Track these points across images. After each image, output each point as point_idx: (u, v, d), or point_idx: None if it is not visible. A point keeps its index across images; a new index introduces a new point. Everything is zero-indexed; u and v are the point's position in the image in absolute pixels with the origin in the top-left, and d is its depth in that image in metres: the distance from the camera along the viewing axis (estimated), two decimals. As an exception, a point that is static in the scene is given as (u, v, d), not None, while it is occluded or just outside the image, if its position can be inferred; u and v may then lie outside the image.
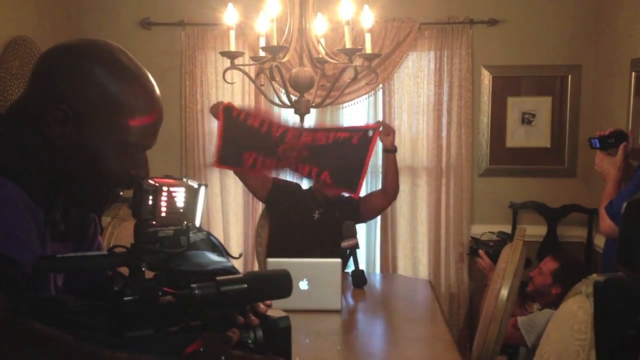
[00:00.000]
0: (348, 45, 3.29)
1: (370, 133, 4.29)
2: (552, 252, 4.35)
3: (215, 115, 4.34)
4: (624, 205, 1.35)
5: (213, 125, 5.30)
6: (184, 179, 1.34)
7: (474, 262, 4.63)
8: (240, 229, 5.36)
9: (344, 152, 4.30)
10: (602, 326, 1.42)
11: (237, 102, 5.26)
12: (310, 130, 4.39)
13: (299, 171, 4.32)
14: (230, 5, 3.38)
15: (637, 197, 1.34)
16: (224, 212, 5.28)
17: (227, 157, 4.35)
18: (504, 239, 4.06)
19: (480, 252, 4.26)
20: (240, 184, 5.00)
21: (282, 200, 4.45)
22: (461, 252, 5.22)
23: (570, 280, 3.87)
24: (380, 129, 4.32)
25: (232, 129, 4.29)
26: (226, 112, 4.29)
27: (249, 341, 1.33)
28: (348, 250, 3.97)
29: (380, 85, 5.20)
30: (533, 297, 4.08)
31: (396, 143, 4.91)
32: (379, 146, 4.57)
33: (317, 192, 4.40)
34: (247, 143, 4.28)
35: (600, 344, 1.46)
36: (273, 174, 4.42)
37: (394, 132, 4.41)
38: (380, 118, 5.22)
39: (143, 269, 1.28)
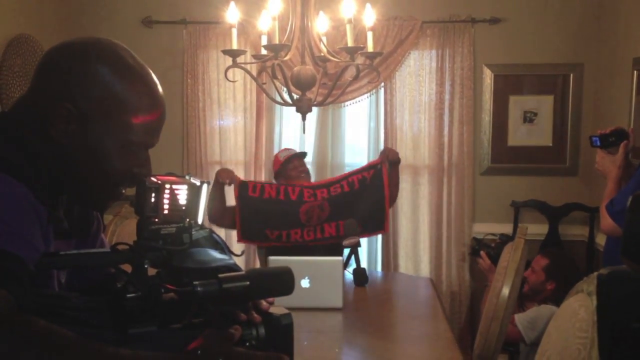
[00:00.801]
0: (350, 43, 3.29)
1: (379, 166, 4.30)
2: (541, 250, 4.38)
3: (225, 180, 4.26)
4: (630, 199, 1.35)
5: (214, 124, 5.32)
6: (187, 177, 1.35)
7: (475, 262, 4.64)
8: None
9: (364, 194, 4.30)
10: (606, 319, 1.42)
11: (239, 100, 5.28)
12: (323, 185, 4.39)
13: (326, 234, 4.29)
14: (232, 3, 3.39)
15: None
16: (225, 210, 5.28)
17: (250, 233, 4.34)
18: (505, 241, 4.07)
19: (482, 253, 4.29)
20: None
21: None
22: (463, 252, 5.22)
23: (561, 274, 3.96)
24: (386, 162, 4.32)
25: (250, 206, 4.27)
26: (242, 190, 4.27)
27: (252, 338, 1.33)
28: (350, 249, 3.98)
29: (382, 84, 5.19)
30: (530, 297, 4.11)
31: (398, 141, 4.92)
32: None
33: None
34: (268, 219, 4.26)
35: (603, 337, 1.47)
36: (301, 242, 4.30)
37: (396, 153, 4.41)
38: (382, 117, 5.23)
39: (146, 266, 1.28)
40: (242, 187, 4.27)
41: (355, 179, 4.32)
